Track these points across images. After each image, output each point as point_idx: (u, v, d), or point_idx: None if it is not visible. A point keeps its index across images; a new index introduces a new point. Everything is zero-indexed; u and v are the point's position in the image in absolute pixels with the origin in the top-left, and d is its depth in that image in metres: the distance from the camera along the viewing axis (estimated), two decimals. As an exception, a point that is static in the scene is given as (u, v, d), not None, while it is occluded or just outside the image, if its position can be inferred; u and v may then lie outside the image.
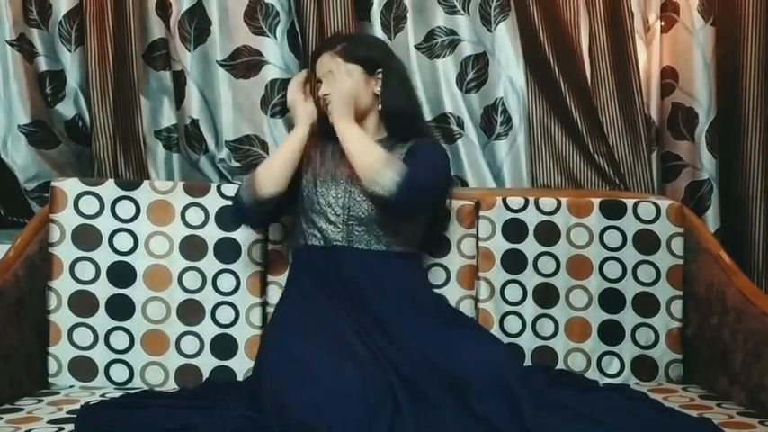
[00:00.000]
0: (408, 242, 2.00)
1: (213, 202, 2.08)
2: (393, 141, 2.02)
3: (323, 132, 2.07)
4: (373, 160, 1.85)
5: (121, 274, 2.01)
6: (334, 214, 1.93)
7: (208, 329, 2.04)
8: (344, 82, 1.95)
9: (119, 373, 2.01)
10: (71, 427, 1.66)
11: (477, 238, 2.16)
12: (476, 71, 2.48)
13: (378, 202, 1.87)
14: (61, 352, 1.99)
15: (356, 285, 1.89)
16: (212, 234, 2.06)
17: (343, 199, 1.94)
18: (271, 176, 1.93)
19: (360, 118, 2.00)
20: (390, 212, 1.90)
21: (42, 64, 2.42)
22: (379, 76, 2.01)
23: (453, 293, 2.13)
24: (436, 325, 1.85)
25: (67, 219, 2.02)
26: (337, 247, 1.92)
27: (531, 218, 2.17)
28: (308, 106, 2.01)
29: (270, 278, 2.10)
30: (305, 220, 1.98)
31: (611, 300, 2.14)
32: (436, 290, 2.11)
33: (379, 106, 2.01)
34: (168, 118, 2.46)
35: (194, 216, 2.07)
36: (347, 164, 1.93)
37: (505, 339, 2.10)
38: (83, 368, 2.00)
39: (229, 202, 2.06)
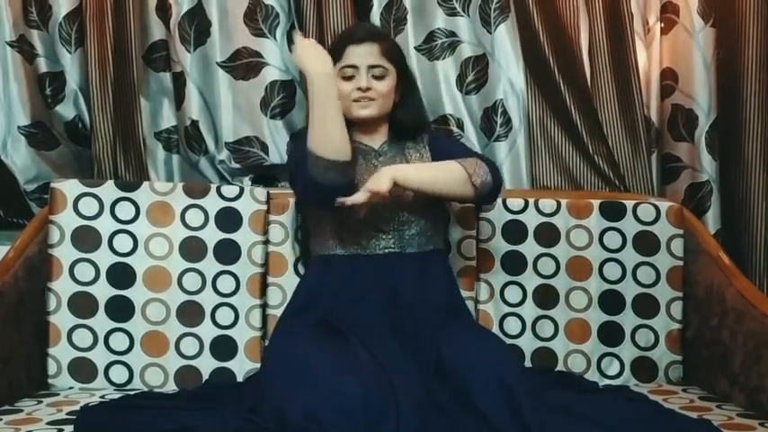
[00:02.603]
0: (443, 238, 2.03)
1: (213, 203, 2.07)
2: (396, 144, 1.99)
3: None
4: (459, 177, 1.81)
5: (121, 275, 2.01)
6: (384, 222, 1.88)
7: (207, 331, 2.03)
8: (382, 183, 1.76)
9: (118, 374, 2.00)
10: (71, 428, 1.66)
11: (478, 240, 2.16)
12: (476, 73, 2.48)
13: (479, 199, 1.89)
14: (61, 353, 1.99)
15: (404, 291, 1.85)
16: (212, 235, 2.06)
17: (392, 206, 1.86)
18: (334, 147, 1.72)
19: (379, 123, 1.95)
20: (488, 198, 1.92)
21: (42, 65, 2.42)
22: (401, 84, 1.95)
23: (453, 295, 2.13)
24: (445, 325, 1.83)
25: (67, 220, 2.02)
26: (390, 254, 1.88)
27: (531, 219, 2.17)
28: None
29: (270, 280, 2.10)
30: (342, 228, 1.89)
31: (610, 301, 2.14)
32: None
33: (397, 112, 1.95)
34: (168, 119, 2.47)
35: (194, 217, 2.07)
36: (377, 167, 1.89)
37: (505, 341, 2.09)
38: (82, 369, 1.99)
39: (229, 204, 2.06)
